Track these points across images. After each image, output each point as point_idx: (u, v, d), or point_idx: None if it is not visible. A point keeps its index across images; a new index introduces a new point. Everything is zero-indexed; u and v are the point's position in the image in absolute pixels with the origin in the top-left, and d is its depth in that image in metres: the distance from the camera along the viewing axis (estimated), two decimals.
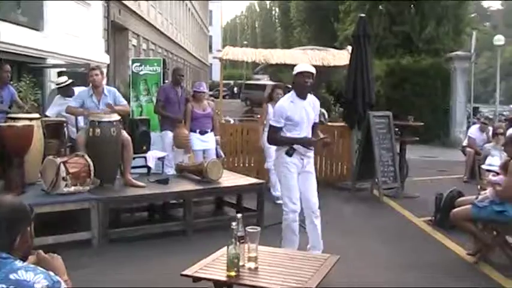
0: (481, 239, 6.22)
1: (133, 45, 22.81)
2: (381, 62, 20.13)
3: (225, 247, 3.82)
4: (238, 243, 3.70)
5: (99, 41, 16.77)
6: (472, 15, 28.25)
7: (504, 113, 28.38)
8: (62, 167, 6.37)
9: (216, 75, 71.84)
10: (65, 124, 7.96)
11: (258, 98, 36.12)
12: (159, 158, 8.47)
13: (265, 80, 49.48)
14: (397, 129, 10.19)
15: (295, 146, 5.68)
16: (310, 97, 5.78)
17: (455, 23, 25.08)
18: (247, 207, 7.85)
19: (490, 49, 58.39)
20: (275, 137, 5.80)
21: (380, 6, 24.73)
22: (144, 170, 8.36)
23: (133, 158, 8.23)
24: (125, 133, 7.30)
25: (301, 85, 5.64)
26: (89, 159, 6.62)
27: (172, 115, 8.61)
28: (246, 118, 18.35)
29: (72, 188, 6.42)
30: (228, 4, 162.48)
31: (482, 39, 23.35)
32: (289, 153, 5.69)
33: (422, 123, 10.69)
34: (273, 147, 6.21)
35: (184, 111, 8.86)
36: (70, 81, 9.06)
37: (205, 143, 8.90)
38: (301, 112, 5.65)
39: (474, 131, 12.49)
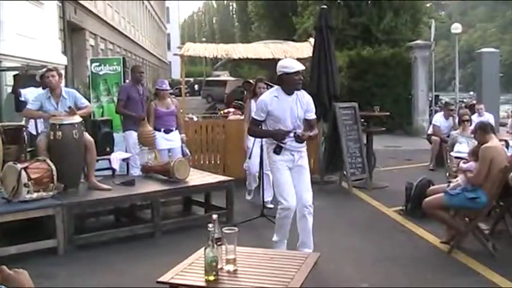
0: (454, 227, 6.20)
1: (91, 45, 22.37)
2: (342, 53, 20.13)
3: (202, 249, 3.65)
4: (215, 245, 3.52)
5: (55, 42, 16.38)
6: (428, 4, 28.44)
7: (464, 100, 28.73)
8: (23, 173, 6.12)
9: (176, 73, 71.13)
10: (24, 128, 7.68)
11: (219, 94, 36.03)
12: (123, 159, 8.26)
13: (225, 76, 49.36)
14: (362, 119, 10.14)
15: (281, 143, 5.59)
16: (299, 92, 5.62)
17: (413, 13, 25.19)
18: (216, 205, 7.71)
19: (446, 38, 59.39)
20: (254, 129, 5.86)
21: None
22: (109, 172, 8.15)
23: (97, 160, 8.02)
24: (87, 135, 7.07)
25: (293, 84, 5.51)
26: (51, 164, 6.38)
27: (135, 114, 8.39)
28: (210, 115, 18.14)
29: (35, 195, 6.17)
30: (185, 1, 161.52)
31: (438, 28, 23.53)
32: (277, 152, 5.63)
33: (388, 113, 10.68)
34: (256, 149, 6.56)
35: (147, 110, 8.66)
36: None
37: (170, 141, 8.71)
38: (284, 108, 5.52)
39: (438, 118, 12.53)
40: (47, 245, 6.10)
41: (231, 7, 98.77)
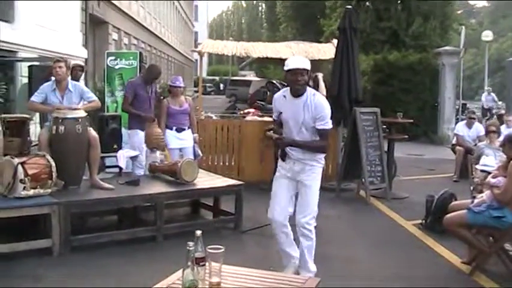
0: (477, 247, 5.73)
1: (114, 40, 22.13)
2: (368, 57, 19.67)
3: (180, 271, 3.20)
4: (196, 267, 3.06)
5: (76, 35, 16.12)
6: (459, 12, 27.85)
7: (493, 110, 27.99)
8: (20, 168, 5.80)
9: (202, 71, 71.10)
10: (28, 121, 7.36)
11: (243, 94, 35.72)
12: (131, 157, 7.92)
13: (250, 76, 49.10)
14: (384, 126, 9.68)
15: (287, 149, 5.12)
16: (310, 96, 4.95)
17: (442, 20, 24.69)
18: (225, 210, 7.34)
19: (476, 46, 58.38)
20: (274, 129, 5.44)
21: (367, 2, 24.31)
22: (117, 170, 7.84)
23: (104, 158, 7.71)
24: (92, 131, 6.73)
25: (292, 83, 4.96)
26: (50, 160, 6.05)
27: (143, 114, 8.02)
28: (228, 114, 17.77)
29: (31, 191, 5.84)
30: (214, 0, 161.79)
31: (468, 35, 23.06)
32: (281, 157, 5.20)
33: (411, 120, 10.20)
34: None
35: (160, 107, 8.33)
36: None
37: (182, 141, 8.38)
38: (290, 110, 5.01)
39: (461, 127, 12.05)
40: (41, 244, 5.77)
41: (260, 7, 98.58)
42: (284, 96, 5.09)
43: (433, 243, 6.77)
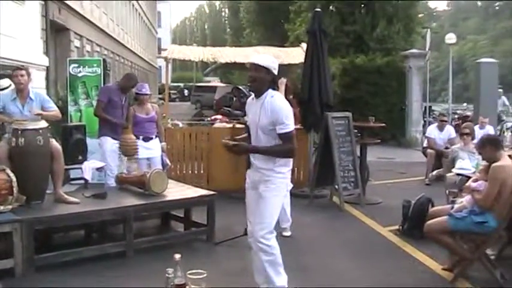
0: (460, 254, 5.57)
1: (76, 47, 21.59)
2: (334, 61, 19.58)
3: None
4: None
5: (36, 42, 15.63)
6: (421, 15, 27.97)
7: (458, 111, 28.23)
8: None
9: (169, 77, 70.39)
10: None
11: (209, 100, 35.49)
12: (97, 169, 7.59)
13: (215, 82, 48.87)
14: (355, 130, 9.52)
15: (250, 156, 4.75)
16: (269, 98, 4.52)
17: (406, 22, 24.78)
18: (197, 221, 7.05)
19: (437, 49, 58.96)
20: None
21: (331, 6, 24.28)
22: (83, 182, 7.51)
23: (69, 169, 7.37)
24: (54, 142, 6.38)
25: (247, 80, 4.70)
26: (10, 174, 5.70)
27: (116, 120, 7.69)
28: (195, 121, 17.42)
29: None
30: (177, 5, 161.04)
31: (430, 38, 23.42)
32: (247, 164, 4.82)
33: (383, 124, 10.06)
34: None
35: (127, 116, 8.03)
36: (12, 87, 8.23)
37: (149, 150, 8.09)
38: (251, 112, 4.71)
39: (432, 130, 11.98)
40: (3, 265, 5.39)
41: (223, 13, 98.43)
42: (252, 99, 4.78)
43: (412, 250, 6.59)
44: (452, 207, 5.64)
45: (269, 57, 4.70)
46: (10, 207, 5.64)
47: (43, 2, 16.26)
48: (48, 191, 6.39)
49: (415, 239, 6.84)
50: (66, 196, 6.28)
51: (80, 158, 7.50)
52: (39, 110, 6.37)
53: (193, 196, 6.84)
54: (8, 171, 5.73)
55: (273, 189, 4.64)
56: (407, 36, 24.95)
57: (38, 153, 6.05)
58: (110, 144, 7.76)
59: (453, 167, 8.10)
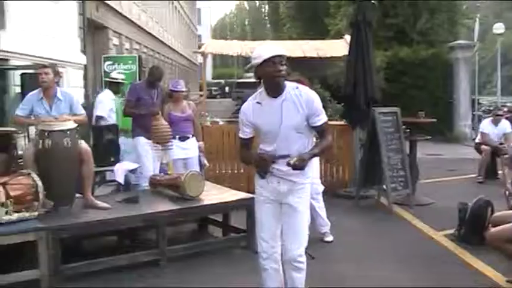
0: None
1: (115, 45, 21.45)
2: (377, 54, 18.94)
3: None
4: None
5: (73, 40, 15.48)
6: (464, 6, 27.02)
7: (507, 104, 27.18)
8: (1, 190, 5.11)
9: (207, 74, 70.64)
10: (14, 135, 6.65)
11: (250, 96, 35.01)
12: (130, 171, 7.21)
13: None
14: (404, 126, 8.94)
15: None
16: (295, 91, 3.96)
17: (449, 14, 23.98)
18: (236, 226, 6.60)
19: (482, 40, 57.38)
20: (240, 152, 4.28)
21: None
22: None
23: (101, 172, 7.02)
24: (83, 144, 6.00)
25: (269, 78, 3.90)
26: (36, 178, 5.35)
27: (145, 111, 7.29)
28: (235, 119, 17.01)
29: (15, 216, 5.12)
30: (217, 3, 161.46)
31: (472, 30, 22.53)
32: (260, 174, 4.12)
33: (434, 120, 9.45)
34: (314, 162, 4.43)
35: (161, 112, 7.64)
36: (126, 82, 8.77)
37: (185, 150, 7.66)
38: (271, 116, 3.94)
39: (486, 125, 11.27)
40: (28, 276, 5.03)
41: (263, 9, 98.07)
42: (258, 103, 4.02)
43: (470, 258, 6.00)
44: None
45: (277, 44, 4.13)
46: (36, 213, 5.28)
47: (80, 1, 16.09)
48: (78, 195, 6.04)
49: (473, 246, 6.27)
50: (96, 201, 5.92)
51: (112, 159, 7.13)
52: (67, 115, 6.01)
53: (231, 200, 6.38)
54: (34, 175, 5.38)
55: (305, 199, 4.16)
56: (451, 28, 24.15)
57: (66, 155, 5.69)
58: (144, 143, 7.37)
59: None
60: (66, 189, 5.79)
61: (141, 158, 7.47)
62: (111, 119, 8.39)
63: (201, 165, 7.92)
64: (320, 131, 4.07)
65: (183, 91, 7.78)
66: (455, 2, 24.32)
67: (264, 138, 4.08)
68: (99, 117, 8.31)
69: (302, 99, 3.93)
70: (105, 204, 5.86)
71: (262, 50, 3.93)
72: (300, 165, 3.81)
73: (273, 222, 4.15)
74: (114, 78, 8.89)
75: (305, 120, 3.96)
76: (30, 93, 6.20)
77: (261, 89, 4.05)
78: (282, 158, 3.92)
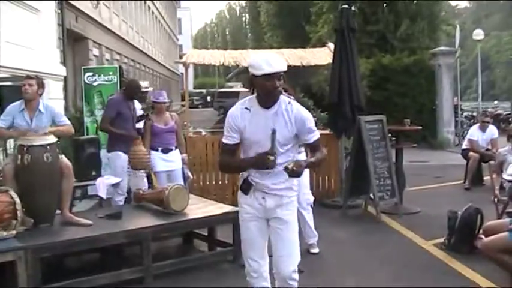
0: None
1: (95, 56, 21.19)
2: (361, 61, 18.91)
3: None
4: None
5: (52, 52, 15.14)
6: (443, 13, 27.09)
7: (489, 109, 27.33)
8: None
9: (189, 85, 70.33)
10: None
11: (232, 105, 34.52)
12: (112, 185, 7.03)
13: (238, 87, 48.41)
14: (390, 134, 8.84)
15: (251, 178, 3.86)
16: (286, 105, 3.82)
17: (430, 21, 24.09)
18: (222, 240, 6.44)
19: (461, 46, 57.92)
20: (224, 160, 3.99)
21: (353, 7, 23.65)
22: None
23: (78, 187, 6.82)
24: (64, 158, 5.81)
25: (264, 92, 3.75)
26: (14, 195, 5.14)
27: (125, 132, 7.14)
28: (218, 130, 16.81)
29: None
30: (197, 12, 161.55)
31: (452, 36, 22.61)
32: (243, 189, 3.90)
33: (420, 127, 9.37)
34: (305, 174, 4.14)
35: (144, 126, 7.47)
36: (150, 89, 8.03)
37: (169, 163, 7.50)
38: (259, 126, 3.78)
39: (474, 131, 11.21)
40: None
41: (243, 18, 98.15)
42: (247, 109, 3.84)
43: (461, 268, 5.89)
44: (511, 222, 4.96)
45: (280, 57, 3.87)
46: (14, 232, 5.09)
47: (59, 11, 15.84)
48: (58, 212, 5.84)
49: (464, 255, 6.18)
50: (76, 218, 5.72)
51: (94, 173, 6.94)
52: (48, 127, 5.83)
53: (216, 213, 6.22)
54: (12, 192, 5.18)
55: (294, 212, 4.00)
56: (431, 34, 24.25)
57: (46, 171, 5.50)
58: (122, 159, 7.18)
59: (501, 172, 7.39)
60: (46, 206, 5.60)
61: (117, 173, 7.28)
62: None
63: (185, 177, 7.76)
64: (314, 147, 3.93)
65: (165, 102, 7.64)
66: (434, 8, 24.40)
67: (247, 148, 3.89)
68: None
69: (292, 115, 3.78)
70: (86, 221, 5.67)
71: (263, 62, 3.70)
72: (297, 171, 3.61)
73: (261, 240, 3.97)
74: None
75: (293, 137, 3.82)
76: (12, 104, 6.00)
77: (250, 96, 3.88)
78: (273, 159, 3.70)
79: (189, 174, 7.89)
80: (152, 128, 7.44)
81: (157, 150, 7.44)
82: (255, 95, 3.84)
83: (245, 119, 3.82)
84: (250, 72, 3.78)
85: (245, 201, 3.95)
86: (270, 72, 3.65)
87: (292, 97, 4.19)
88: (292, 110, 3.79)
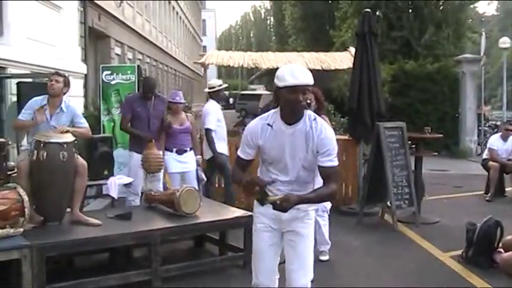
0: None
1: (117, 54, 21.20)
2: (383, 67, 18.71)
3: None
4: None
5: (74, 49, 15.20)
6: (469, 20, 26.70)
7: None
8: None
9: (207, 84, 70.23)
10: (5, 145, 6.37)
11: (253, 108, 34.97)
12: (125, 185, 6.95)
13: (260, 90, 48.40)
14: (409, 142, 8.66)
15: (268, 189, 3.58)
16: (311, 122, 3.58)
17: (455, 28, 23.81)
18: (233, 245, 6.31)
19: (487, 54, 57.17)
20: (233, 171, 3.90)
21: (377, 12, 23.41)
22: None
23: (90, 186, 6.75)
24: (80, 158, 5.73)
25: (287, 106, 3.53)
26: (22, 193, 5.05)
27: (140, 132, 7.07)
28: (235, 131, 16.67)
29: None
30: (222, 14, 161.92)
31: (478, 44, 22.31)
32: (261, 200, 3.66)
33: (441, 135, 9.16)
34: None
35: (161, 127, 7.39)
36: (224, 85, 8.44)
37: (183, 164, 7.45)
38: (280, 144, 3.58)
39: (495, 141, 10.93)
40: None
41: (268, 20, 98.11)
42: (269, 125, 3.61)
43: (479, 282, 5.69)
44: None
45: (306, 69, 3.60)
46: (21, 230, 5.01)
47: (81, 9, 15.87)
48: (68, 210, 5.77)
49: (482, 269, 5.98)
50: (85, 217, 5.64)
51: (106, 172, 6.87)
52: (66, 126, 5.76)
53: (228, 218, 6.10)
54: (20, 189, 5.10)
55: (311, 225, 3.80)
56: (456, 42, 23.98)
57: (61, 169, 5.41)
58: (136, 159, 7.12)
59: None
60: (58, 204, 5.52)
61: (132, 173, 7.22)
62: (223, 129, 8.12)
63: (199, 179, 7.67)
64: (326, 174, 3.59)
65: (181, 103, 7.56)
66: (460, 15, 24.09)
67: (266, 164, 3.71)
68: (208, 130, 7.78)
69: (316, 134, 3.55)
70: (95, 221, 5.59)
71: (287, 72, 3.49)
72: (281, 207, 3.42)
73: (271, 254, 3.79)
74: (211, 87, 8.27)
75: (315, 157, 3.59)
76: (34, 99, 5.94)
77: (274, 110, 3.66)
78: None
79: (203, 176, 7.79)
80: (168, 128, 7.37)
81: (171, 151, 7.39)
82: (278, 109, 3.62)
83: (265, 136, 3.61)
84: (275, 83, 3.58)
85: (260, 211, 3.79)
86: (293, 85, 3.44)
87: (323, 116, 3.99)
88: (316, 128, 3.56)
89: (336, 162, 3.62)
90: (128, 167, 7.25)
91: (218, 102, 8.25)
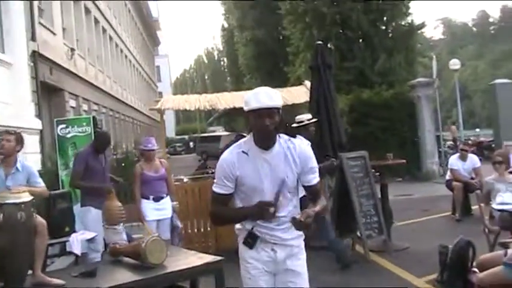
0: None
1: (72, 107, 20.91)
2: (340, 98, 18.86)
3: None
4: None
5: (27, 105, 14.94)
6: (418, 45, 27.31)
7: (471, 138, 27.40)
8: None
9: (170, 131, 70.22)
10: None
11: (214, 149, 34.86)
12: (88, 240, 6.72)
13: (220, 131, 48.44)
14: (373, 170, 8.63)
15: (256, 230, 3.45)
16: (288, 143, 3.47)
17: (406, 54, 24.28)
18: None
19: (438, 77, 58.53)
20: (215, 210, 3.60)
21: (329, 44, 23.74)
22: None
23: (51, 245, 6.50)
24: (38, 217, 5.51)
25: (258, 128, 3.37)
26: None
27: (97, 184, 6.89)
28: (199, 176, 16.51)
29: None
30: (176, 58, 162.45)
31: (429, 68, 22.88)
32: (248, 243, 3.47)
33: (404, 160, 9.17)
34: None
35: (134, 174, 7.27)
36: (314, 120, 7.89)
37: (161, 211, 7.33)
38: (259, 171, 3.41)
39: (455, 161, 11.04)
40: None
41: (222, 61, 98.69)
42: (244, 153, 3.45)
43: None
44: (505, 254, 4.72)
45: (275, 91, 3.46)
46: None
47: (32, 64, 15.65)
48: (30, 272, 5.52)
49: None
50: (48, 278, 5.39)
51: (68, 229, 6.64)
52: (23, 186, 5.55)
53: (197, 264, 5.90)
54: None
55: (304, 260, 3.60)
56: (408, 67, 24.44)
57: (19, 231, 5.15)
58: (95, 214, 6.91)
59: (489, 201, 7.20)
60: (18, 267, 5.26)
61: (90, 229, 7.00)
62: None
63: (175, 226, 7.52)
64: (316, 191, 3.53)
65: (154, 149, 7.43)
66: (410, 41, 24.58)
67: (245, 196, 3.49)
68: None
69: (295, 153, 3.43)
70: (59, 281, 5.33)
71: (251, 96, 3.37)
72: (306, 223, 3.20)
73: None
74: (299, 122, 7.89)
75: (295, 178, 3.45)
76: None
77: (247, 138, 3.51)
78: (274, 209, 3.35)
79: (178, 223, 7.64)
80: (142, 176, 7.29)
81: (148, 198, 7.32)
82: (251, 135, 3.47)
83: (243, 165, 3.43)
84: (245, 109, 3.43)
85: (251, 256, 3.52)
86: (256, 108, 3.30)
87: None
88: (294, 148, 3.44)
89: (318, 178, 3.56)
90: (83, 223, 6.98)
91: (307, 139, 7.44)
